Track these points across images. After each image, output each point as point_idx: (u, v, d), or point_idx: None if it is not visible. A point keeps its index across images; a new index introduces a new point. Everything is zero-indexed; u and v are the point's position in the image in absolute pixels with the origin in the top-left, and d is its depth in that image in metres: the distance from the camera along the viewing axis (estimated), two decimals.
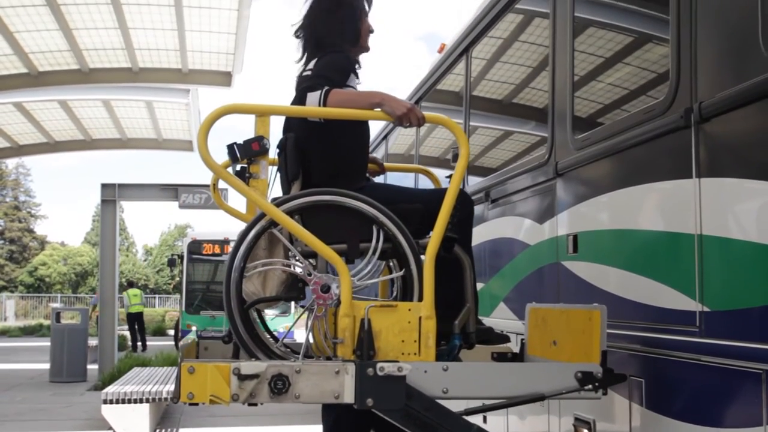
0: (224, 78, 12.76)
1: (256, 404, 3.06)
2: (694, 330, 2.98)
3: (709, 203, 2.93)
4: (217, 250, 20.25)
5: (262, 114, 3.46)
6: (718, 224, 2.88)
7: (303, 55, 3.89)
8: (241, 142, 3.42)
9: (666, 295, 3.19)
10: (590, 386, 3.12)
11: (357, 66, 3.82)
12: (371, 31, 3.94)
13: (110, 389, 9.58)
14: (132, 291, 24.90)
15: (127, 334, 24.52)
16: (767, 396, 2.57)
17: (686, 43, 3.13)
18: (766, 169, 2.64)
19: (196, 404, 3.02)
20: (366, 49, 3.92)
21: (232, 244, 3.50)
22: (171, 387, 9.29)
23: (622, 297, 3.56)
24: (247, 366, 2.98)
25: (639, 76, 3.85)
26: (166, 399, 9.48)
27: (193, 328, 18.56)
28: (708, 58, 3.03)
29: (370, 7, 3.96)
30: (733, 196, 2.82)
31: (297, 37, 3.93)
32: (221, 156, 3.46)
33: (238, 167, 3.45)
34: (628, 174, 3.61)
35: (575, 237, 4.03)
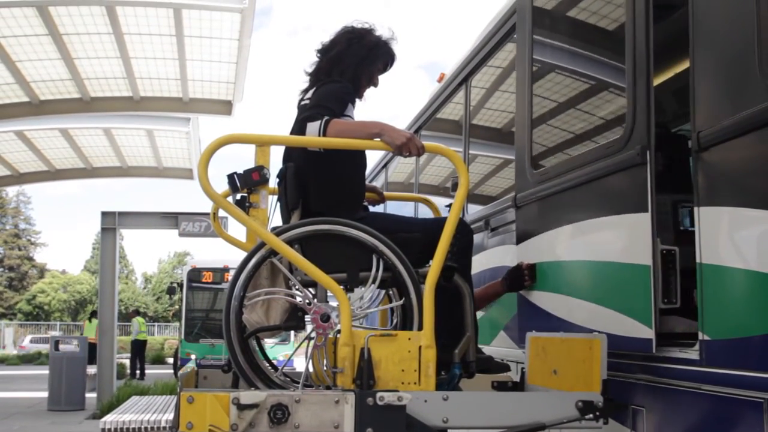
0: (225, 107, 12.83)
1: None
2: (650, 355, 3.13)
3: (708, 231, 2.93)
4: (218, 279, 20.23)
5: (262, 144, 3.48)
6: (717, 252, 2.88)
7: (311, 77, 3.92)
8: (242, 172, 3.44)
9: (621, 323, 3.37)
10: (591, 415, 3.11)
11: (362, 95, 3.88)
12: (374, 85, 3.98)
13: (109, 418, 9.52)
14: (140, 319, 25.13)
15: (126, 362, 24.50)
16: None
17: (642, 88, 3.40)
18: (763, 197, 2.65)
19: None
20: (359, 96, 3.94)
21: (232, 273, 3.51)
22: (170, 416, 9.24)
23: (576, 324, 3.78)
24: (247, 395, 2.97)
25: (597, 116, 4.14)
26: (164, 428, 9.42)
27: (193, 357, 18.50)
28: (706, 88, 3.05)
29: (389, 66, 4.00)
30: (732, 225, 2.83)
31: (317, 57, 3.94)
32: (221, 185, 3.48)
33: (239, 196, 3.46)
34: (582, 208, 3.84)
35: (533, 267, 4.25)
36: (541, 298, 4.19)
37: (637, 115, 3.40)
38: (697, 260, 2.96)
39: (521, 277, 4.22)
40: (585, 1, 4.22)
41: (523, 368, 3.94)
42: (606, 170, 3.58)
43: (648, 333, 3.16)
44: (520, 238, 4.45)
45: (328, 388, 3.21)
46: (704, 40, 3.06)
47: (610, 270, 3.56)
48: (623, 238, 3.45)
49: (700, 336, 2.92)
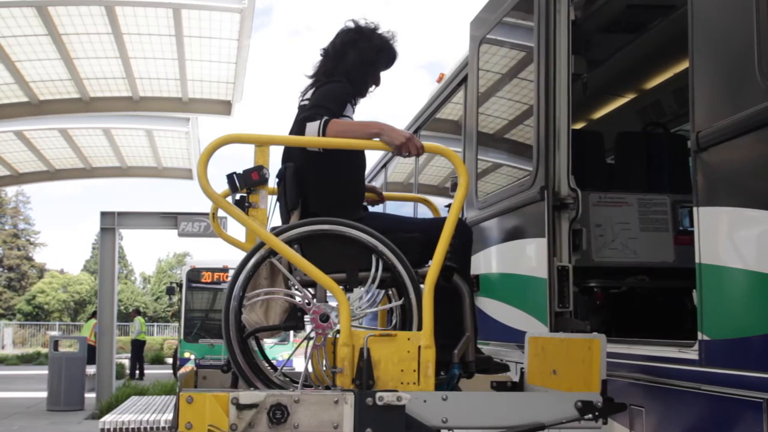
0: (224, 107, 12.81)
1: None
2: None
3: (707, 231, 2.94)
4: (217, 278, 20.23)
5: (262, 144, 3.49)
6: (716, 252, 2.88)
7: (313, 77, 3.91)
8: (241, 172, 3.44)
9: (529, 322, 4.29)
10: (590, 415, 3.11)
11: (366, 94, 3.90)
12: (377, 84, 3.98)
13: (108, 418, 9.51)
14: (141, 319, 25.14)
15: (125, 362, 24.49)
16: (767, 425, 2.56)
17: (543, 143, 4.21)
18: (762, 197, 2.66)
19: None
20: (363, 96, 3.95)
21: (231, 273, 3.51)
22: (169, 416, 9.23)
23: (500, 322, 4.77)
24: (246, 395, 2.97)
25: (518, 156, 5.07)
26: (164, 428, 9.41)
27: (192, 357, 18.49)
28: (705, 88, 3.05)
29: (389, 65, 3.99)
30: (731, 225, 2.83)
31: (321, 57, 3.94)
32: (221, 185, 3.48)
33: (238, 196, 3.46)
34: (505, 231, 4.85)
35: (477, 277, 4.98)
36: (480, 302, 4.97)
37: (539, 163, 4.25)
38: (696, 260, 2.97)
39: None
40: (510, 85, 5.16)
41: (522, 368, 3.94)
42: (519, 203, 4.51)
43: (545, 330, 4.03)
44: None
45: (327, 388, 3.21)
46: (704, 41, 3.07)
47: (523, 281, 4.48)
48: (531, 256, 4.37)
49: (699, 336, 2.93)
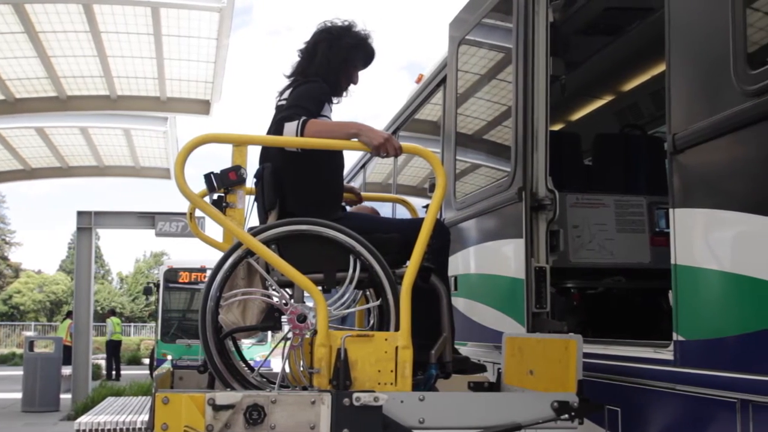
0: (203, 106, 12.75)
1: None
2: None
3: (683, 233, 2.96)
4: (194, 279, 20.13)
5: (240, 144, 3.47)
6: (691, 254, 2.91)
7: (290, 77, 3.91)
8: (218, 172, 3.42)
9: (505, 323, 4.34)
10: (566, 416, 3.12)
11: (345, 94, 3.89)
12: (354, 83, 3.97)
13: (83, 419, 9.46)
14: (115, 319, 24.94)
15: (102, 362, 24.31)
16: (741, 424, 2.59)
17: (521, 145, 4.23)
18: (737, 199, 2.68)
19: None
20: (338, 94, 3.94)
21: (209, 273, 3.50)
22: (145, 417, 9.19)
23: (477, 322, 4.81)
24: (222, 396, 2.96)
25: (496, 157, 5.10)
26: (140, 429, 9.36)
27: (169, 357, 18.38)
28: (682, 91, 3.08)
29: (367, 63, 3.99)
30: (706, 226, 2.85)
31: (299, 57, 3.94)
32: (199, 185, 3.46)
33: (215, 196, 3.45)
34: (483, 232, 4.91)
35: (456, 278, 5.01)
36: (458, 303, 4.94)
37: (517, 164, 4.26)
38: (672, 261, 2.99)
39: None
40: (488, 86, 5.23)
41: (499, 369, 3.95)
42: (497, 204, 4.53)
43: (522, 331, 4.05)
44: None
45: (304, 388, 3.20)
46: (680, 44, 3.09)
47: (501, 282, 4.51)
48: (509, 257, 4.39)
49: (675, 337, 2.95)
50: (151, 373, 19.99)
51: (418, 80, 7.07)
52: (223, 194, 3.44)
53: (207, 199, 3.44)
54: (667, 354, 3.01)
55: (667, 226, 3.16)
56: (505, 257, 4.47)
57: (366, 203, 4.96)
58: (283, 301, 3.36)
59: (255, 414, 2.94)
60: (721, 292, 2.77)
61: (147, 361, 27.04)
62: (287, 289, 3.45)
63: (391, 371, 3.16)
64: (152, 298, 24.02)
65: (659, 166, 5.42)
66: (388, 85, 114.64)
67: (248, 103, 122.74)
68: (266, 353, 14.91)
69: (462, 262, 5.11)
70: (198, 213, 3.92)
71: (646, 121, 6.98)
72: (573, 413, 3.12)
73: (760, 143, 2.63)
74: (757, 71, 2.62)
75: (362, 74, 4.01)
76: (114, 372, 23.52)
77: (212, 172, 3.41)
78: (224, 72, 11.44)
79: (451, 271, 4.39)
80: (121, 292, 65.62)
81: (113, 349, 24.23)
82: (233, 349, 3.59)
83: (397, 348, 3.17)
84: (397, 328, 3.24)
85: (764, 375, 2.49)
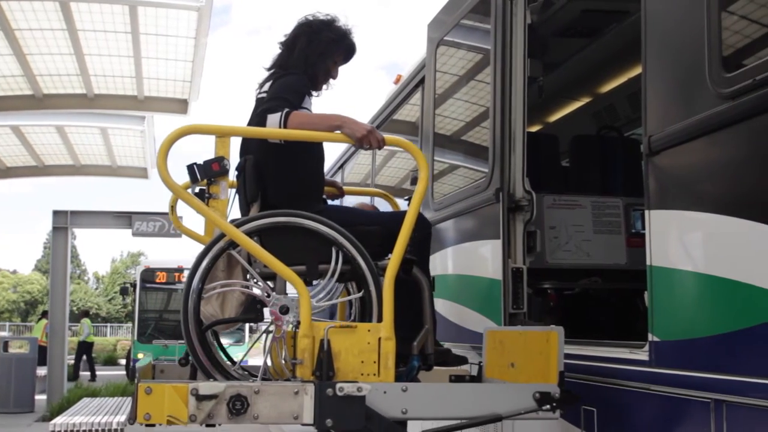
0: (180, 105, 12.68)
1: (213, 425, 3.04)
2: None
3: (658, 234, 3.00)
4: (171, 279, 20.03)
5: (223, 135, 3.48)
6: (666, 255, 2.95)
7: (269, 70, 3.92)
8: (202, 163, 3.43)
9: (483, 323, 4.29)
10: (548, 406, 3.15)
11: (326, 87, 3.92)
12: (333, 77, 3.98)
13: (59, 420, 9.35)
14: (87, 320, 24.65)
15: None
16: (715, 424, 2.62)
17: (498, 146, 4.26)
18: (711, 201, 2.72)
19: (153, 425, 2.99)
20: (316, 88, 3.95)
21: (186, 273, 3.50)
22: (121, 418, 9.14)
23: (454, 323, 4.84)
24: (206, 386, 2.96)
25: (473, 158, 5.12)
26: (116, 430, 9.29)
27: (147, 358, 18.26)
28: (657, 93, 3.12)
29: (348, 59, 4.00)
30: (681, 228, 2.89)
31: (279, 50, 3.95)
32: (180, 180, 3.46)
33: (198, 188, 3.45)
34: (460, 233, 4.94)
35: (433, 279, 4.92)
36: (435, 303, 4.83)
37: (495, 165, 4.29)
38: (647, 263, 3.03)
39: None
40: (466, 87, 5.25)
41: (480, 362, 3.99)
42: (475, 205, 4.55)
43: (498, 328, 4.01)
44: None
45: (287, 380, 3.21)
46: (656, 46, 3.13)
47: (478, 282, 4.54)
48: (486, 258, 4.41)
49: (650, 337, 2.98)
50: (128, 374, 19.87)
51: (397, 81, 7.09)
52: (205, 186, 3.44)
53: (189, 190, 3.45)
54: (643, 354, 3.04)
55: (643, 228, 3.20)
56: (483, 258, 4.49)
57: (366, 202, 5.01)
58: (266, 293, 3.37)
59: (238, 404, 2.96)
60: (696, 293, 2.81)
61: (123, 361, 26.82)
62: (269, 282, 3.46)
63: (374, 362, 3.17)
64: (129, 299, 23.82)
65: (636, 167, 5.49)
66: (366, 84, 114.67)
67: (226, 103, 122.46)
68: (243, 353, 14.84)
69: (440, 263, 5.11)
70: (179, 211, 3.92)
71: (623, 123, 7.04)
72: (555, 404, 3.14)
73: (735, 146, 2.67)
74: (732, 74, 2.65)
75: (341, 70, 4.03)
76: (89, 373, 23.29)
77: (195, 163, 3.41)
78: (202, 71, 11.38)
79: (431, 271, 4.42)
80: (97, 293, 65.12)
81: (87, 350, 24.00)
82: (214, 342, 3.60)
83: (380, 339, 3.18)
84: (380, 320, 3.26)
85: (738, 375, 2.52)
